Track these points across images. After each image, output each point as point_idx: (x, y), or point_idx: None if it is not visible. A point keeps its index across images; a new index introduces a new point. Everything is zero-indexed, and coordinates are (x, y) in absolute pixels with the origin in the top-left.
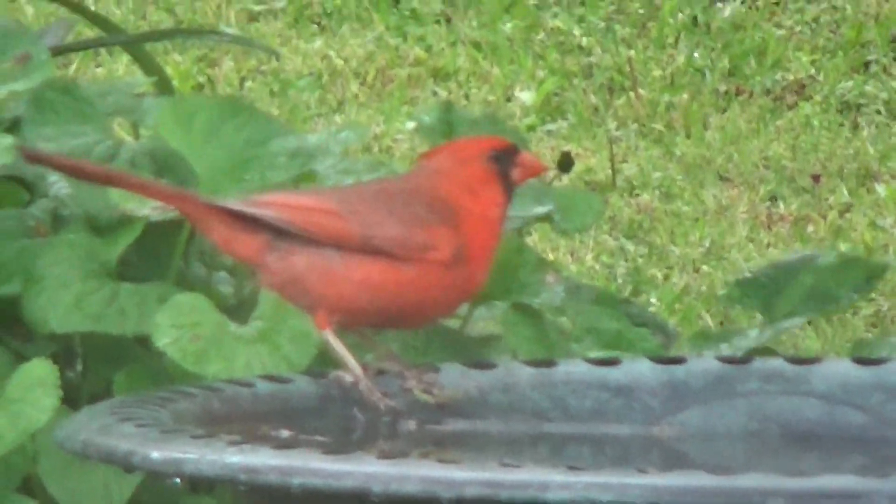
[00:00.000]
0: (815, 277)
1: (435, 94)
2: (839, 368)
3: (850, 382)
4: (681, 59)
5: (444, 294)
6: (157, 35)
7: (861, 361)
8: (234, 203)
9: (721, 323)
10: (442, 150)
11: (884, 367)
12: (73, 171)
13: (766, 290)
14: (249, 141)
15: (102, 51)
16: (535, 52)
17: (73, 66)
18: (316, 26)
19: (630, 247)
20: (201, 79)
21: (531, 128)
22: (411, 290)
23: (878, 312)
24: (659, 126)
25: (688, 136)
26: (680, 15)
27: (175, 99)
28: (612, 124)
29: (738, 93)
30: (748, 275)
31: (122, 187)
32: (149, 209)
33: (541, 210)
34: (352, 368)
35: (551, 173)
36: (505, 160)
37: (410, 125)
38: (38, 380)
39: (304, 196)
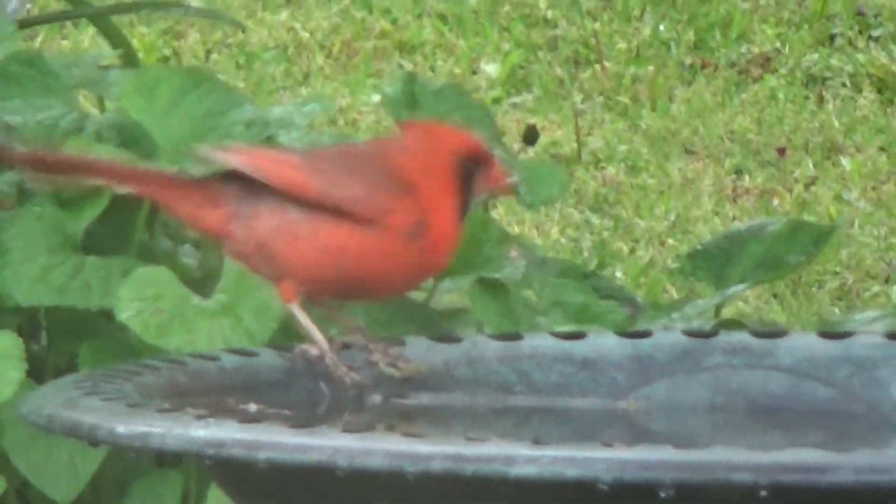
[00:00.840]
0: (765, 245)
1: (401, 66)
2: (805, 342)
3: (815, 356)
4: (646, 32)
5: (405, 265)
6: (123, 8)
7: (827, 335)
8: (206, 150)
9: (686, 296)
10: (419, 129)
11: (849, 340)
12: (36, 165)
13: (717, 261)
14: (209, 111)
15: (68, 23)
16: (501, 24)
17: (39, 39)
18: None
19: (595, 220)
20: (167, 51)
21: (497, 100)
22: (372, 256)
23: (843, 286)
24: (624, 99)
25: (653, 109)
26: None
27: (137, 71)
28: (577, 97)
29: (703, 66)
30: (699, 247)
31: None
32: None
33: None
34: (317, 342)
35: (517, 146)
36: (474, 166)
37: (376, 98)
38: (3, 353)
39: (268, 149)
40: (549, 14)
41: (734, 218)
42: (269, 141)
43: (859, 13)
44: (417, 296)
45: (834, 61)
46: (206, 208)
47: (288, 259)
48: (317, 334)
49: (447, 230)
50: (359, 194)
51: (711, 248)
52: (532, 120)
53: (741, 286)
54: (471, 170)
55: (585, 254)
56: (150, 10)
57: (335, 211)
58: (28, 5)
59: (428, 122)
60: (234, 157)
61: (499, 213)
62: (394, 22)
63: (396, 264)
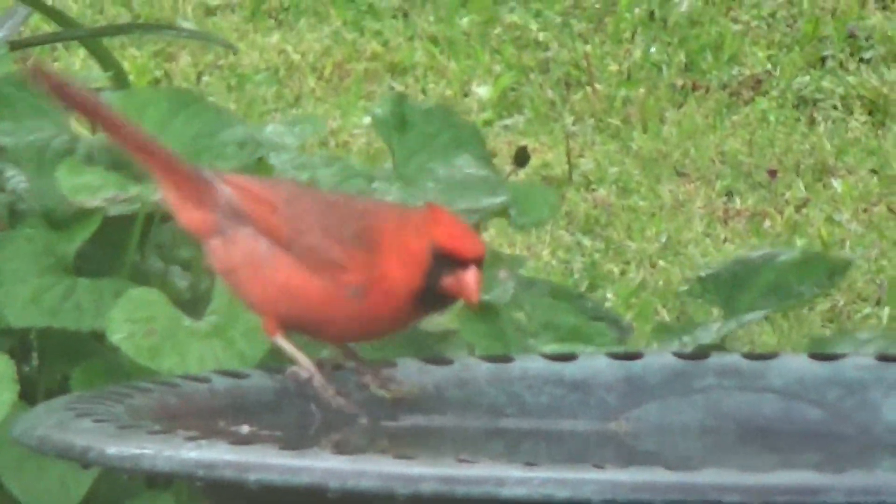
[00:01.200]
0: (777, 273)
1: (392, 88)
2: (796, 364)
3: (806, 378)
4: (637, 54)
5: (349, 318)
6: (114, 30)
7: (817, 357)
8: (205, 171)
9: (678, 318)
10: (428, 213)
11: (840, 362)
12: (78, 105)
13: (727, 286)
14: (200, 132)
15: (59, 45)
16: (492, 46)
17: (30, 61)
18: (273, 21)
19: (586, 242)
20: (158, 73)
21: (488, 122)
22: (319, 304)
23: (834, 308)
24: (615, 121)
25: (644, 131)
26: (636, 10)
27: (126, 92)
28: (568, 119)
29: (694, 88)
30: (710, 270)
31: (106, 125)
32: (100, 200)
33: (496, 203)
34: (305, 366)
35: (508, 168)
36: (446, 264)
37: (367, 120)
38: None
39: (261, 184)
40: (541, 36)
41: (725, 240)
42: (260, 163)
43: (850, 35)
44: None
45: (825, 83)
46: (195, 206)
47: (252, 290)
48: (303, 359)
49: (389, 300)
50: (315, 244)
51: (722, 272)
52: (523, 142)
53: (757, 314)
54: (441, 265)
55: (576, 275)
56: (141, 32)
57: (297, 256)
58: (20, 28)
59: (440, 209)
60: (227, 188)
61: (490, 234)
62: (385, 44)
63: (342, 316)
